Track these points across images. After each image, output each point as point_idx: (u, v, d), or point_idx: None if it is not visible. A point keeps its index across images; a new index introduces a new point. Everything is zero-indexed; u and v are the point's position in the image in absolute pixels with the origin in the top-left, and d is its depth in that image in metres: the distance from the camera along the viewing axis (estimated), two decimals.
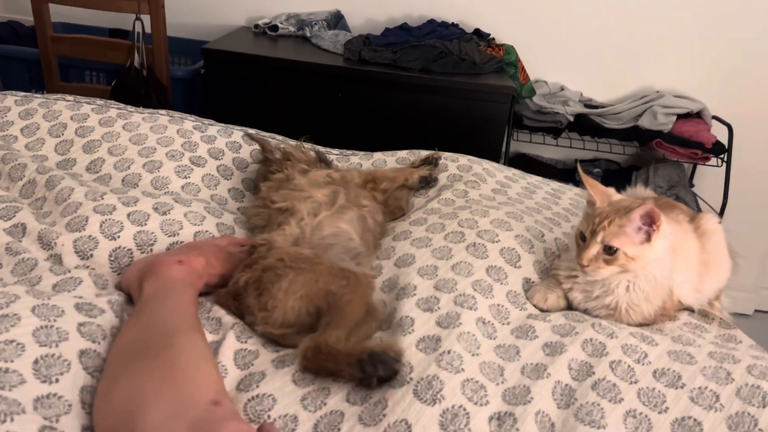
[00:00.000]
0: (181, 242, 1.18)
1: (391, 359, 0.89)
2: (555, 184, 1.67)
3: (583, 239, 1.08)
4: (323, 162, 1.49)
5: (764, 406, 0.85)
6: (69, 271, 1.04)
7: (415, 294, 1.08)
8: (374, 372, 0.88)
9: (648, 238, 1.04)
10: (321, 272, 1.05)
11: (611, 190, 1.14)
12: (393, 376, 0.89)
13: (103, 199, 1.20)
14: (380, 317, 1.08)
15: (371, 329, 1.06)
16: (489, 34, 2.55)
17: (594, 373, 0.92)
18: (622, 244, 1.03)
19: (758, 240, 2.88)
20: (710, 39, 2.60)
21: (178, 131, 1.52)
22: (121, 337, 0.90)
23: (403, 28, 2.53)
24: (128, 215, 1.18)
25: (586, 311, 1.13)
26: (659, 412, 0.86)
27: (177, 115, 1.62)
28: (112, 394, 0.79)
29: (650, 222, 1.03)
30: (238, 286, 1.06)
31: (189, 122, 1.58)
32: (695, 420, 0.84)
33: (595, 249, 1.05)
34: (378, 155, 1.68)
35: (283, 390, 0.90)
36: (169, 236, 1.18)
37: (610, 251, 1.04)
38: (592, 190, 1.11)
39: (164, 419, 0.73)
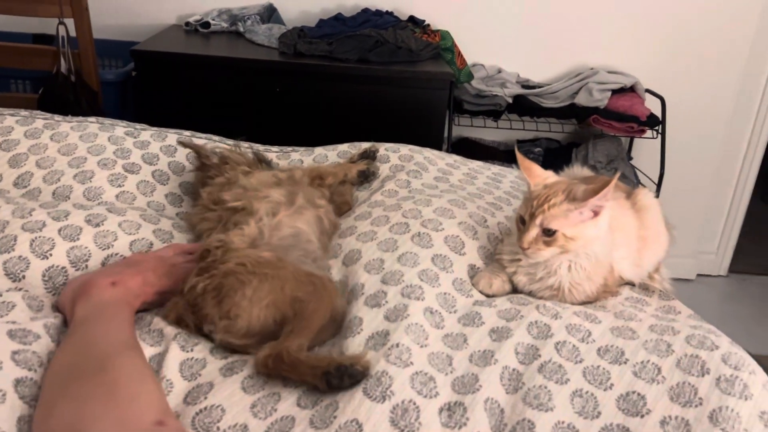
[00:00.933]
0: (117, 254, 1.14)
1: (358, 372, 0.88)
2: (495, 168, 1.69)
3: (523, 222, 1.09)
4: (263, 162, 1.46)
5: (703, 375, 0.87)
6: (0, 296, 1.00)
7: (363, 293, 1.07)
8: (340, 384, 0.87)
9: (587, 216, 1.06)
10: (286, 278, 1.02)
11: (549, 173, 1.15)
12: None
13: (31, 215, 1.15)
14: (341, 322, 1.06)
15: (329, 333, 1.05)
16: (424, 21, 2.55)
17: (540, 355, 0.93)
18: (561, 225, 1.05)
19: (696, 206, 2.98)
20: (640, 13, 2.66)
21: (109, 138, 1.48)
22: (54, 361, 0.87)
23: (338, 18, 2.51)
24: (59, 231, 1.13)
25: (531, 293, 1.15)
26: (604, 390, 0.87)
27: (107, 121, 1.57)
28: (49, 422, 0.76)
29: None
30: (195, 293, 1.01)
31: (120, 128, 1.53)
32: (639, 394, 0.86)
33: (534, 232, 1.06)
34: (319, 150, 1.67)
35: (231, 399, 0.88)
36: (103, 249, 1.14)
37: (548, 233, 1.05)
38: (526, 173, 1.12)
39: None
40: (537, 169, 1.14)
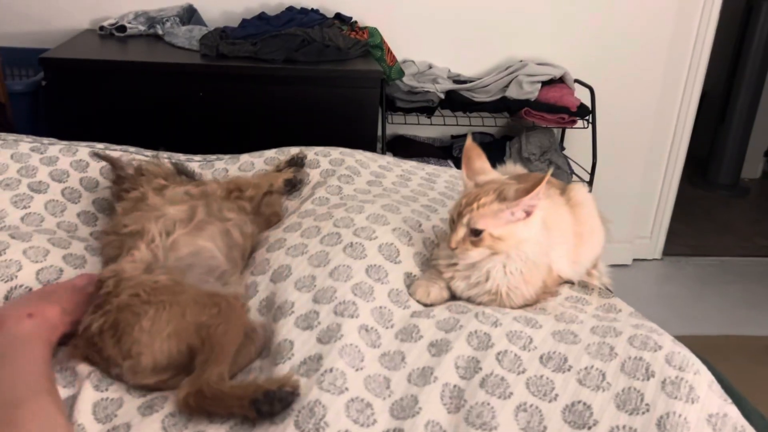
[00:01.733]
0: (21, 286, 1.04)
1: (288, 394, 0.82)
2: (430, 168, 1.65)
3: (453, 222, 1.06)
4: (183, 174, 1.38)
5: (648, 379, 0.85)
6: None
7: (293, 312, 1.00)
8: (271, 410, 0.81)
9: (519, 217, 1.02)
10: (186, 303, 0.94)
11: (489, 169, 1.11)
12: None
13: None
14: (260, 340, 1.00)
15: (251, 354, 0.98)
16: (351, 18, 2.49)
17: (481, 368, 0.89)
18: (488, 225, 1.01)
19: (629, 192, 3.03)
20: (566, 4, 2.67)
21: (12, 156, 1.36)
22: None
23: (262, 17, 2.42)
24: None
25: (469, 299, 1.11)
26: (549, 401, 0.84)
27: (10, 137, 1.44)
28: None
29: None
30: (90, 332, 0.93)
31: (25, 144, 1.41)
32: (584, 404, 0.83)
33: (462, 232, 1.03)
34: (245, 157, 1.59)
35: None
36: (5, 281, 1.04)
37: (476, 233, 1.02)
38: (465, 166, 1.08)
39: None
40: (479, 162, 1.10)
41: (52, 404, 0.80)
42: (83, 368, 0.92)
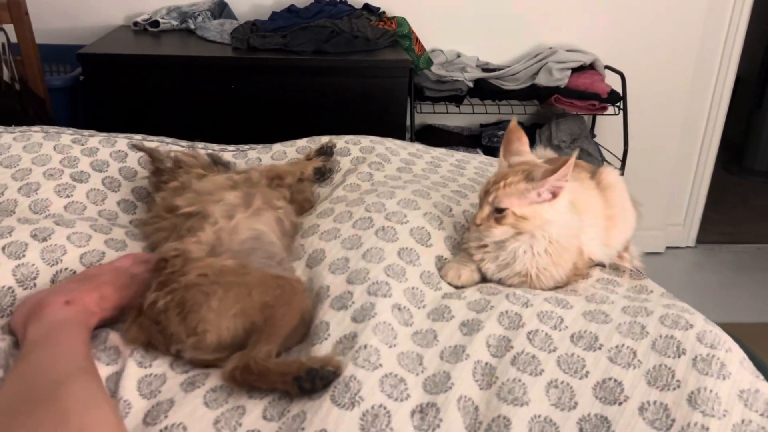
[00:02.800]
0: (66, 269, 1.08)
1: (329, 373, 0.84)
2: (459, 155, 1.66)
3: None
4: (219, 164, 1.41)
5: (679, 356, 0.85)
6: None
7: (328, 295, 1.03)
8: (312, 388, 0.83)
9: (545, 198, 1.04)
10: (252, 284, 0.97)
11: (527, 152, 1.13)
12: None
13: None
14: (310, 323, 1.02)
15: (299, 336, 1.01)
16: (379, 8, 2.50)
17: (512, 347, 0.90)
18: (512, 204, 1.03)
19: (661, 179, 2.99)
20: None
21: (54, 147, 1.41)
22: (5, 389, 0.81)
23: (291, 10, 2.45)
24: (3, 248, 1.07)
25: (500, 281, 1.12)
26: (580, 378, 0.85)
27: (53, 129, 1.49)
28: None
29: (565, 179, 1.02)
30: (156, 309, 0.95)
31: (66, 136, 1.46)
32: (615, 380, 0.84)
33: (486, 209, 1.06)
34: (277, 147, 1.62)
35: (193, 416, 0.84)
36: (51, 265, 1.08)
37: (499, 211, 1.04)
38: (504, 148, 1.11)
39: None
40: (517, 144, 1.11)
41: (92, 381, 0.83)
42: (125, 346, 0.96)
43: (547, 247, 1.06)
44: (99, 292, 1.00)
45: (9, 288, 1.03)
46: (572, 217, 1.07)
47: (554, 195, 1.03)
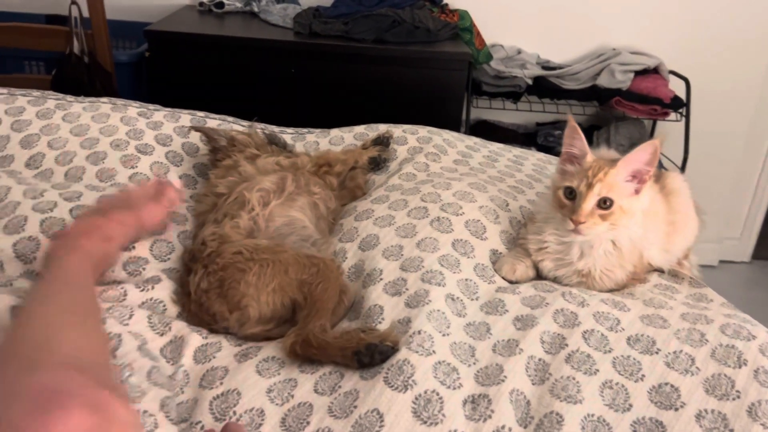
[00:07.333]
0: None
1: (388, 348, 0.86)
2: (517, 151, 1.64)
3: (571, 196, 1.04)
4: (275, 144, 1.43)
5: (740, 366, 0.83)
6: (11, 284, 0.97)
7: (381, 279, 1.04)
8: (371, 362, 0.85)
9: (635, 191, 1.02)
10: (288, 261, 1.00)
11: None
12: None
13: (43, 196, 1.13)
14: (349, 301, 1.04)
15: (341, 313, 1.03)
16: (441, 0, 2.49)
17: (567, 345, 0.89)
18: (618, 196, 1.01)
19: (720, 191, 2.91)
20: None
21: (121, 119, 1.45)
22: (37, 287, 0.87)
23: None
24: (71, 210, 1.11)
25: (555, 279, 1.11)
26: (635, 381, 0.84)
27: (120, 102, 1.53)
28: (26, 325, 0.75)
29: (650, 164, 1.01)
30: (200, 292, 0.99)
31: (133, 109, 1.50)
32: (672, 386, 0.82)
33: (592, 201, 1.01)
34: (335, 132, 1.63)
35: (247, 382, 0.86)
36: None
37: (605, 205, 1.01)
38: (579, 143, 1.06)
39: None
40: (580, 143, 1.09)
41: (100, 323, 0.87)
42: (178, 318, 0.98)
43: (614, 247, 1.04)
44: (104, 234, 0.98)
45: None
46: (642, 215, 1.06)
47: (637, 192, 1.01)
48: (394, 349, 0.85)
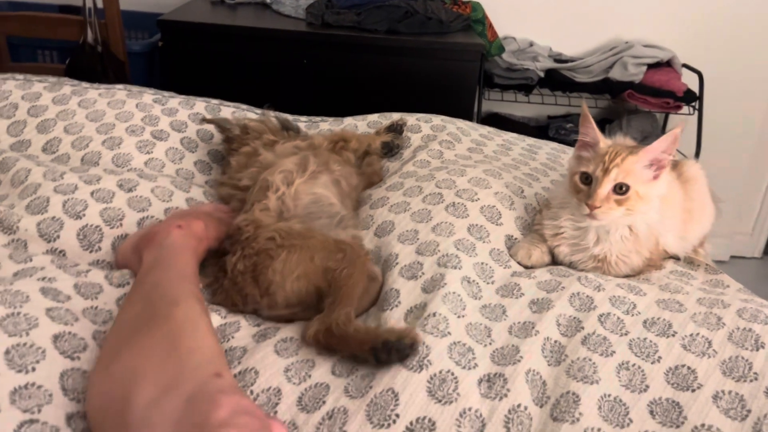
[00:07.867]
0: (152, 217, 1.13)
1: (405, 347, 0.84)
2: (530, 140, 1.64)
3: (587, 182, 1.04)
4: (288, 129, 1.43)
5: (758, 349, 0.83)
6: (31, 260, 0.98)
7: (397, 263, 1.04)
8: (388, 359, 0.84)
9: (654, 177, 1.02)
10: (315, 248, 1.00)
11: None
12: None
13: (63, 178, 1.14)
14: (379, 285, 1.04)
15: (371, 297, 1.03)
16: None
17: (583, 327, 0.89)
18: (635, 182, 1.00)
19: (732, 186, 2.89)
20: None
21: (137, 105, 1.45)
22: (122, 311, 0.87)
23: None
24: (92, 193, 1.12)
25: (571, 264, 1.11)
26: (652, 362, 0.84)
27: (135, 89, 1.54)
28: (111, 368, 0.76)
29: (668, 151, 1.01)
30: (235, 273, 1.00)
31: (148, 95, 1.51)
32: (689, 368, 0.82)
33: (608, 186, 1.00)
34: (348, 120, 1.63)
35: (264, 361, 0.86)
36: (138, 211, 1.12)
37: (621, 190, 1.01)
38: (593, 132, 1.06)
39: (160, 393, 0.69)
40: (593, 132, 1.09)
41: (201, 307, 0.87)
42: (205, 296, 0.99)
43: (631, 233, 1.04)
44: (203, 222, 1.08)
45: (96, 226, 1.08)
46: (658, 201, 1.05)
47: (655, 178, 1.01)
48: (412, 348, 0.84)
